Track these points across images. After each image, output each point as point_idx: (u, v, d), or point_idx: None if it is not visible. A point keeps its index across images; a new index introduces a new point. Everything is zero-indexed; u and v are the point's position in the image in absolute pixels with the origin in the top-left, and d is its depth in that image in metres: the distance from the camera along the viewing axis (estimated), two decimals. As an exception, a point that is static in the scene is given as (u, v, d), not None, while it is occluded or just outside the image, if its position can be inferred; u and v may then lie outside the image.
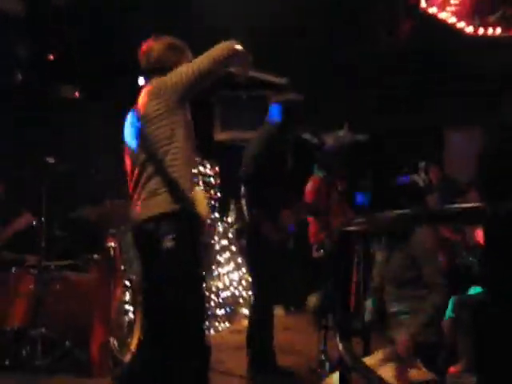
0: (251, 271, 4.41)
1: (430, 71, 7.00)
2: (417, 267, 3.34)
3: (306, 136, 4.39)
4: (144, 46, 3.06)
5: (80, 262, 4.73)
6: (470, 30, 5.09)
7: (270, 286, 4.13)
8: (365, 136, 5.55)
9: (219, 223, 6.84)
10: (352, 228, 3.01)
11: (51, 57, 5.61)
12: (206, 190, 6.53)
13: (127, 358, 4.76)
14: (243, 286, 6.90)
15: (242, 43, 2.81)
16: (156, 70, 3.00)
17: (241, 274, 6.92)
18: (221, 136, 7.97)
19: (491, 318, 2.44)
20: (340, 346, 3.02)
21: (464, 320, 3.82)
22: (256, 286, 4.30)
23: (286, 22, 5.87)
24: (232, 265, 6.88)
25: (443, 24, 5.06)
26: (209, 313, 6.26)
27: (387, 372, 3.04)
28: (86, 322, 4.39)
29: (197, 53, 2.91)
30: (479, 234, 4.38)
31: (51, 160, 4.34)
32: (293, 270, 6.48)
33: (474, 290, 4.23)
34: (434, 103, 7.60)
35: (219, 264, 6.68)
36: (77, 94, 5.76)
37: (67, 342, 4.24)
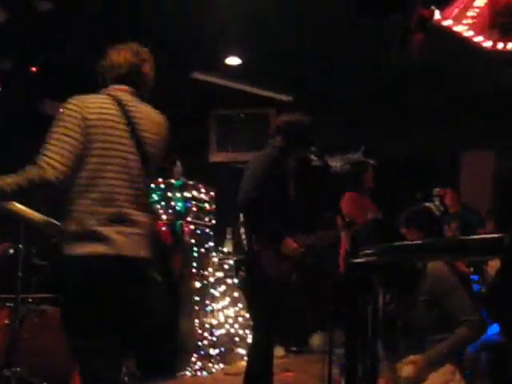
0: (250, 307, 4.41)
1: (443, 91, 7.08)
2: (438, 308, 3.30)
3: (311, 158, 4.43)
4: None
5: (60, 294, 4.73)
6: (488, 44, 5.12)
7: (270, 323, 4.12)
8: (374, 161, 5.60)
9: (214, 253, 6.85)
10: (360, 260, 3.04)
11: (34, 69, 5.65)
12: (201, 217, 6.57)
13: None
14: (240, 324, 6.90)
15: None
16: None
17: (237, 309, 6.92)
18: (217, 157, 8.03)
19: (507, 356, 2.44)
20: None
21: (482, 360, 3.83)
22: (255, 323, 4.30)
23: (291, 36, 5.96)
24: (227, 299, 6.88)
25: (457, 39, 5.10)
26: (202, 353, 6.25)
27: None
28: (65, 361, 4.38)
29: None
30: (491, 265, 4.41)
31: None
32: (295, 306, 6.49)
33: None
34: (449, 126, 7.67)
35: (213, 298, 6.68)
36: (61, 110, 5.79)
37: (45, 383, 4.24)
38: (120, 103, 2.83)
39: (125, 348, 2.92)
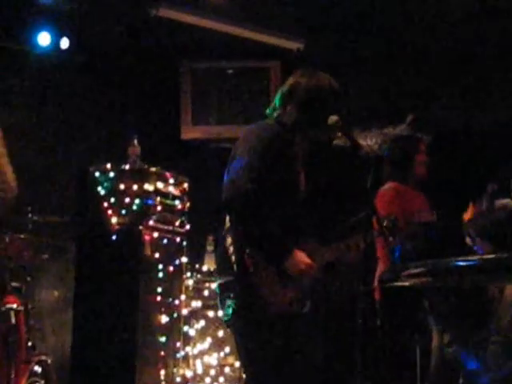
0: (242, 353, 4.40)
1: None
2: None
3: (332, 135, 4.40)
4: None
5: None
6: None
7: (271, 376, 4.12)
8: (428, 137, 5.59)
9: (188, 273, 6.83)
10: (404, 283, 3.03)
11: None
12: (169, 220, 6.55)
13: None
14: (227, 376, 6.90)
15: None
16: None
17: (222, 356, 6.92)
18: (192, 133, 8.01)
19: None
20: None
21: None
22: (249, 376, 4.30)
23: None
24: (208, 341, 6.88)
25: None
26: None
27: None
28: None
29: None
30: None
31: None
32: (308, 349, 6.49)
33: None
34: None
35: (188, 339, 6.67)
36: None
37: None
38: None
39: None
